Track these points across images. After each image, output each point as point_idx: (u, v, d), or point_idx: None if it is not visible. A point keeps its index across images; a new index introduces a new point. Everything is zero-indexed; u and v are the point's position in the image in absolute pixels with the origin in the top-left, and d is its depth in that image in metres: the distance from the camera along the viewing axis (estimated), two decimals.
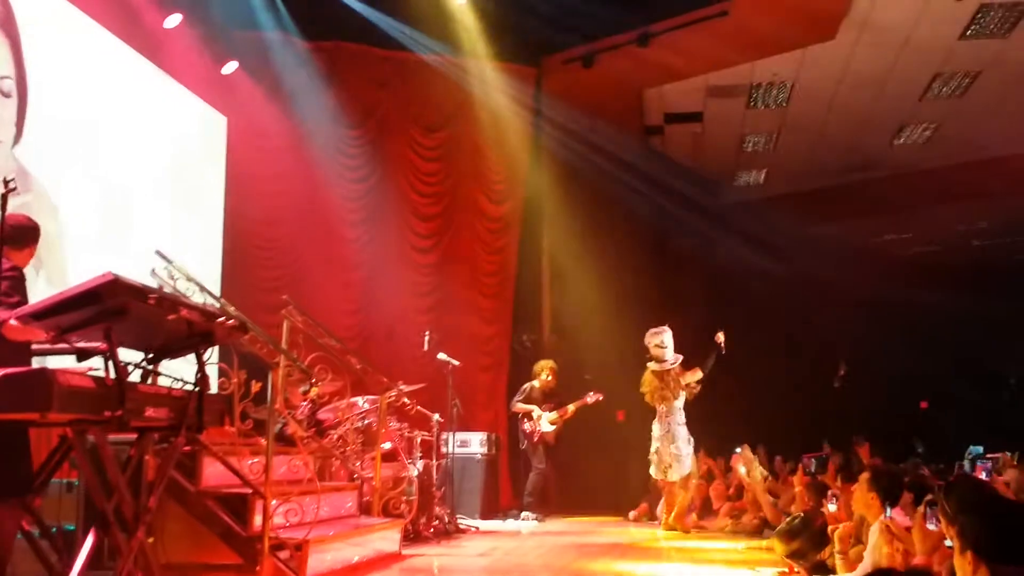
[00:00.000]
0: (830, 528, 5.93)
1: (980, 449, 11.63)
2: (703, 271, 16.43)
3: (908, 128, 14.33)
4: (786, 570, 5.86)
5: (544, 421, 10.90)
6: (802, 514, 6.56)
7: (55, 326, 4.03)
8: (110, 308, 3.86)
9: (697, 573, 6.70)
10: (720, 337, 9.98)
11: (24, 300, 4.44)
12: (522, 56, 12.27)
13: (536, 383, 11.11)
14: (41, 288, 6.64)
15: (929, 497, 3.89)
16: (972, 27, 11.10)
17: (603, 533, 9.80)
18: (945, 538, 3.58)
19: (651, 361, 9.95)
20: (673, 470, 9.70)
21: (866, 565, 4.51)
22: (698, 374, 9.91)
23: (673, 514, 9.65)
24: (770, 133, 14.53)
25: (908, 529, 4.20)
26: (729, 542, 8.95)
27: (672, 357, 9.90)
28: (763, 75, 12.42)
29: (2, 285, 4.28)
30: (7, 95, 7.58)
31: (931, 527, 3.71)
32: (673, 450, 9.67)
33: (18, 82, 7.72)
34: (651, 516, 10.95)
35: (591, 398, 10.98)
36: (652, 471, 9.89)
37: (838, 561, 5.53)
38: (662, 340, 9.90)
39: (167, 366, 4.79)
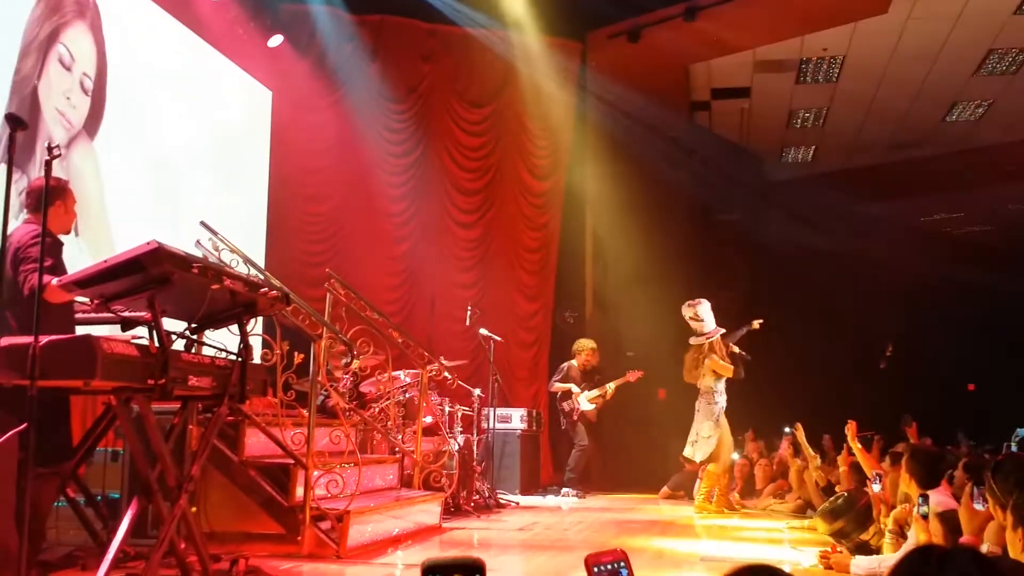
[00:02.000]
0: (880, 509, 5.87)
1: None
2: (748, 248, 16.27)
3: (960, 104, 14.05)
4: (829, 549, 5.80)
5: (583, 400, 10.86)
6: (846, 493, 6.49)
7: (99, 294, 4.07)
8: (154, 277, 3.88)
9: (739, 551, 6.66)
10: (756, 324, 9.87)
11: (59, 263, 4.46)
12: (567, 30, 12.17)
13: (574, 362, 11.08)
14: (81, 256, 6.71)
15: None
16: None
17: (644, 510, 9.77)
18: (991, 517, 3.52)
19: (693, 336, 9.82)
20: (697, 448, 9.58)
21: (909, 545, 4.46)
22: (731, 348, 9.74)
23: (701, 496, 9.52)
24: (819, 109, 14.31)
25: (953, 511, 4.13)
26: (771, 521, 8.89)
27: (711, 329, 9.71)
28: (813, 49, 12.21)
29: (33, 251, 4.27)
30: (86, 93, 7.70)
31: (978, 507, 3.64)
32: (703, 430, 9.53)
33: (96, 83, 7.84)
34: (678, 495, 10.92)
35: (632, 376, 10.91)
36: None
37: (887, 540, 5.46)
38: (696, 312, 9.70)
39: (211, 336, 4.83)
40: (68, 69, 7.49)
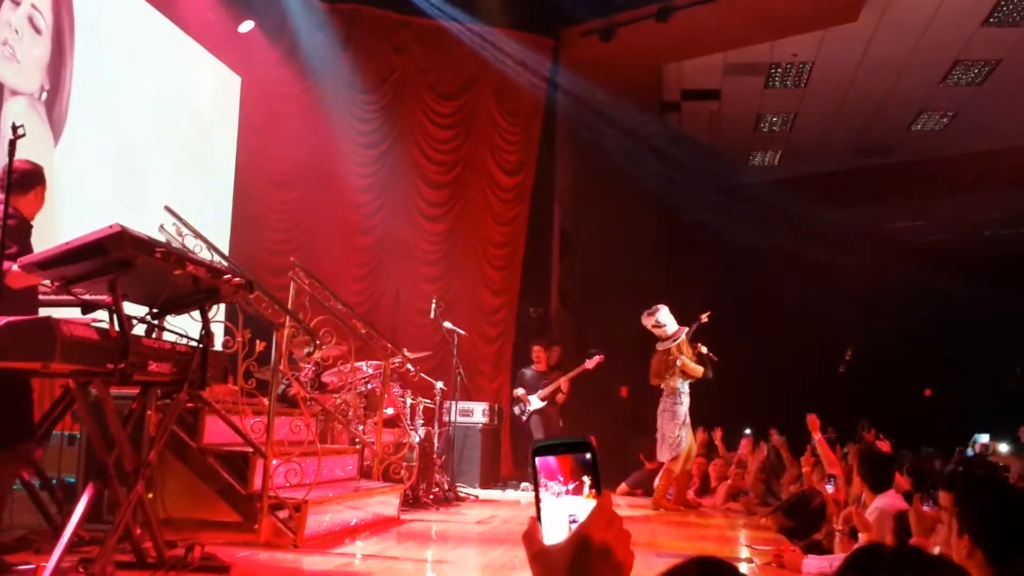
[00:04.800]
0: (834, 509, 5.94)
1: (986, 437, 11.65)
2: (713, 249, 16.39)
3: (926, 114, 14.24)
4: (782, 548, 5.87)
5: (534, 400, 10.80)
6: (799, 493, 6.57)
7: (60, 276, 4.03)
8: (116, 260, 3.85)
9: (692, 549, 6.71)
10: (704, 317, 9.91)
11: (24, 248, 4.40)
12: (540, 27, 12.18)
13: (527, 369, 11.02)
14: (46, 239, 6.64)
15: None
16: (995, 14, 10.98)
17: None
18: (939, 520, 3.59)
19: (659, 342, 9.84)
20: (662, 450, 9.64)
21: (860, 544, 4.53)
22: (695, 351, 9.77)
23: (658, 493, 9.57)
24: (787, 114, 14.44)
25: (903, 513, 4.20)
26: (725, 519, 8.97)
27: (675, 330, 9.75)
28: (783, 55, 12.33)
29: None
30: (38, 31, 7.51)
31: (927, 509, 3.70)
32: (667, 430, 9.58)
33: (55, 26, 7.67)
34: (636, 492, 10.97)
35: (590, 363, 10.77)
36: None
37: (837, 540, 5.54)
38: (656, 319, 9.73)
39: (172, 322, 4.80)
40: (16, 3, 7.26)
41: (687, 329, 9.78)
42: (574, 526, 1.11)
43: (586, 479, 1.14)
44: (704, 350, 9.77)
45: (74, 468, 5.77)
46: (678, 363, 9.56)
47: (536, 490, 1.14)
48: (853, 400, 14.81)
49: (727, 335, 10.41)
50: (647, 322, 9.78)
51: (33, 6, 7.45)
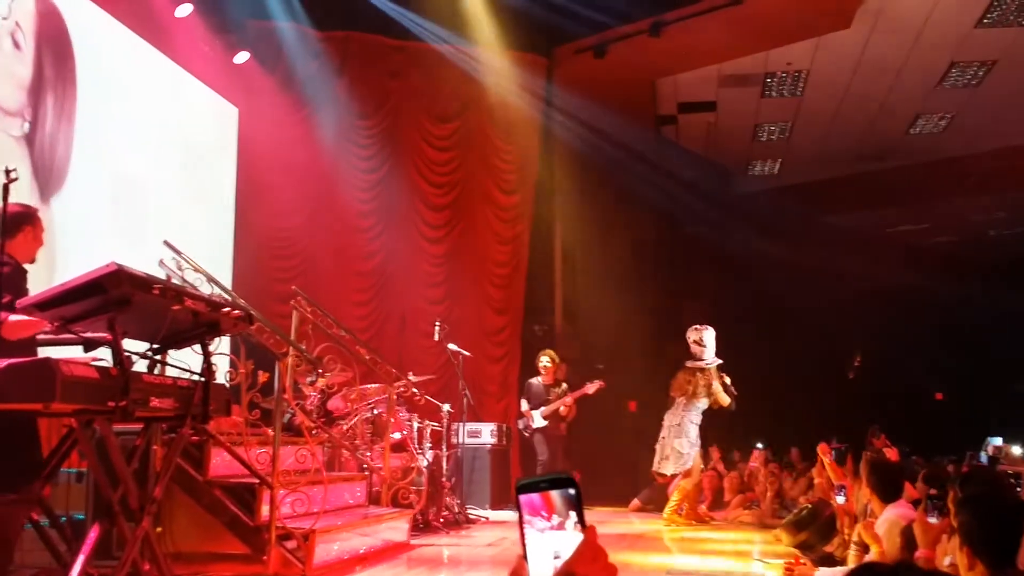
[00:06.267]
0: (844, 521, 5.91)
1: (999, 440, 11.57)
2: (716, 261, 16.37)
3: (924, 117, 14.22)
4: (793, 561, 5.84)
5: (536, 416, 10.69)
6: (810, 505, 6.54)
7: (59, 316, 4.04)
8: (114, 298, 3.86)
9: (706, 564, 6.69)
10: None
11: (19, 294, 4.39)
12: (534, 46, 12.21)
13: (535, 380, 10.90)
14: (45, 275, 6.65)
15: (932, 492, 3.85)
16: (989, 15, 10.98)
17: (613, 524, 9.77)
18: (945, 531, 3.56)
19: (690, 360, 9.82)
20: (669, 463, 9.61)
21: (871, 557, 4.50)
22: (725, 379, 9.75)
23: (670, 508, 9.56)
24: (785, 122, 14.44)
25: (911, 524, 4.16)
26: (737, 533, 8.93)
27: (710, 358, 9.75)
28: (777, 64, 12.33)
29: None
30: (17, 46, 7.51)
31: (932, 520, 3.68)
32: (676, 445, 9.56)
33: (36, 42, 7.67)
34: (648, 508, 10.92)
35: (591, 388, 10.66)
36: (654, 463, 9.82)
37: (852, 553, 5.50)
38: (700, 338, 9.74)
39: (176, 356, 4.81)
40: (3, 19, 7.32)
41: (720, 362, 9.77)
42: (558, 562, 1.11)
43: (571, 514, 1.14)
44: (728, 381, 9.77)
45: (82, 505, 5.77)
46: (714, 386, 9.56)
47: (521, 528, 1.13)
48: (864, 406, 14.75)
49: (734, 346, 10.38)
50: (691, 336, 9.80)
51: (16, 24, 7.48)
